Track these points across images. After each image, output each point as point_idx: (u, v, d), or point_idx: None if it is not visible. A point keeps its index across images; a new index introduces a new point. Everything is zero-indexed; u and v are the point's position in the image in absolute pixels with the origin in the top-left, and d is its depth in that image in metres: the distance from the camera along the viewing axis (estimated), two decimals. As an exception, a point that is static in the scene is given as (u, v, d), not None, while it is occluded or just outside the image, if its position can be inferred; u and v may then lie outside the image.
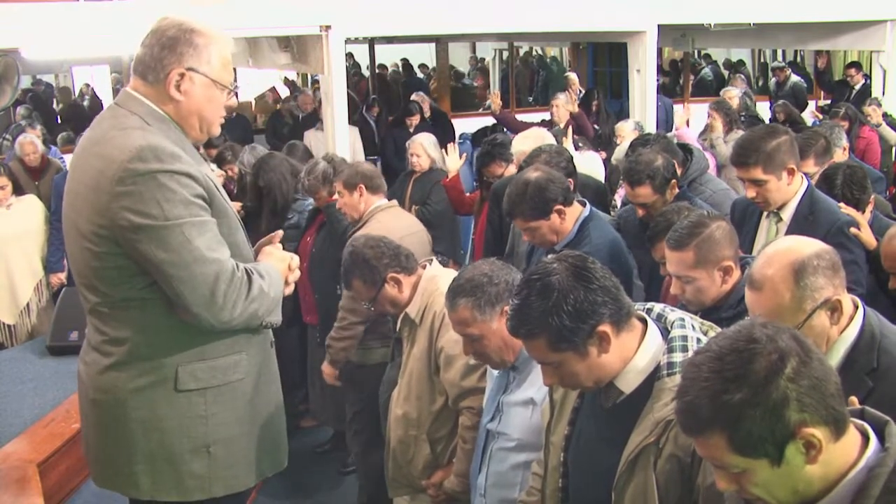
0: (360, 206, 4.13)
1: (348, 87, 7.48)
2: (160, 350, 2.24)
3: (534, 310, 1.82)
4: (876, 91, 8.40)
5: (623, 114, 8.60)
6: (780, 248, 2.07)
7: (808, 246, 2.07)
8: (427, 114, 8.93)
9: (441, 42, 11.97)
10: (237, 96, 9.08)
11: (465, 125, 11.00)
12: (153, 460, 2.28)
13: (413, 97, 9.50)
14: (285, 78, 14.08)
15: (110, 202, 2.12)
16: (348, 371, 4.09)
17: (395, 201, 4.34)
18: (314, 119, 8.89)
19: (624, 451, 1.83)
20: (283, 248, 2.52)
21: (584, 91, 9.20)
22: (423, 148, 5.94)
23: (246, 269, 2.25)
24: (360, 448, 4.08)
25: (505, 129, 8.39)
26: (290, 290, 2.46)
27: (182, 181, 2.14)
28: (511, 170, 4.79)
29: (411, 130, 8.23)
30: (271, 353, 2.48)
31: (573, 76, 9.73)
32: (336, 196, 4.39)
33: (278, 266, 2.40)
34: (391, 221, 4.01)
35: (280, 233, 2.55)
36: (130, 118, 2.21)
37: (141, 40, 2.26)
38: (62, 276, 5.81)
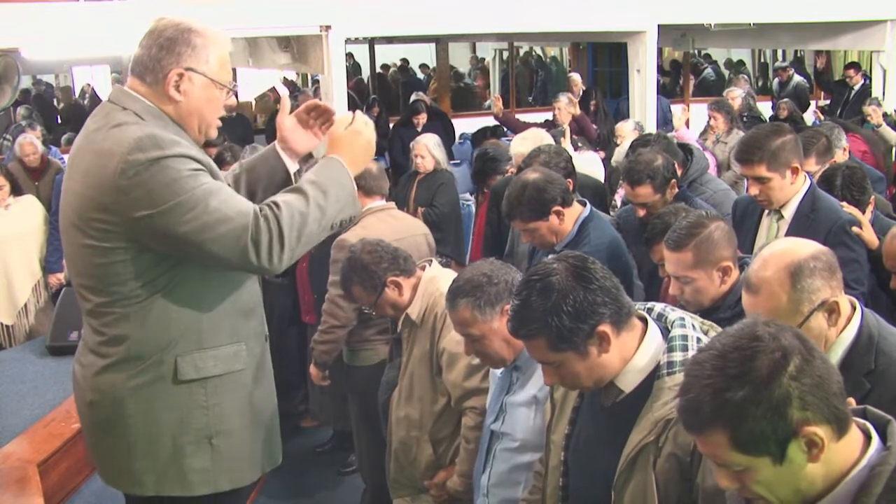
0: None
1: (348, 87, 7.47)
2: (159, 344, 2.22)
3: (534, 311, 1.81)
4: (876, 91, 8.40)
5: (620, 114, 8.60)
6: (777, 251, 2.06)
7: (805, 248, 2.06)
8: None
9: (441, 42, 11.97)
10: (236, 96, 9.07)
11: (466, 125, 11.01)
12: (155, 456, 2.27)
13: (413, 96, 9.49)
14: (284, 78, 14.06)
15: (118, 196, 2.10)
16: (349, 371, 4.07)
17: (391, 203, 4.18)
18: (314, 119, 8.84)
19: (623, 450, 1.83)
20: None
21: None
22: (427, 149, 5.90)
23: (273, 205, 2.17)
24: (367, 448, 4.06)
25: (507, 130, 8.40)
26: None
27: (183, 161, 2.13)
28: (510, 171, 4.79)
29: (419, 129, 8.22)
30: (266, 346, 2.47)
31: (576, 77, 9.67)
32: None
33: (346, 155, 2.29)
34: (379, 226, 3.85)
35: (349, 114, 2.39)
36: (124, 114, 2.19)
37: (138, 41, 2.24)
38: (61, 276, 5.78)
